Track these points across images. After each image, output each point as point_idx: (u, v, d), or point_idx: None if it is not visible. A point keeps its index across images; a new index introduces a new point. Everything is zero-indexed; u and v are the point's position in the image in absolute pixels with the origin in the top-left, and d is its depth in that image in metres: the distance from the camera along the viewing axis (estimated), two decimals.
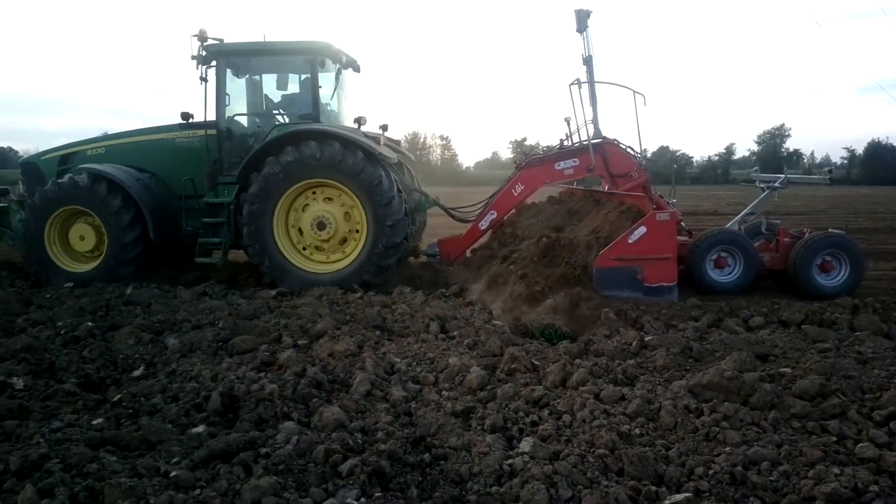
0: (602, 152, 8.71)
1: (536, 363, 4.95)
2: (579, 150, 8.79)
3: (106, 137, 9.85)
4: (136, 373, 4.98)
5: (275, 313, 6.72)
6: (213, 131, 8.93)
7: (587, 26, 8.93)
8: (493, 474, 3.26)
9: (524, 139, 76.58)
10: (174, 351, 5.41)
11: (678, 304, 6.88)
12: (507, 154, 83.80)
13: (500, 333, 5.64)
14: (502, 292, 7.21)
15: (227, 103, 9.01)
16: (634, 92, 8.71)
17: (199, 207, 8.96)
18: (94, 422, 3.98)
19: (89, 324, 6.23)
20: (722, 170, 71.84)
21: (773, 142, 76.86)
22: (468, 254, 9.18)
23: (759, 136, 78.86)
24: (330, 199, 8.54)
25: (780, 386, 4.42)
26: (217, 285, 8.22)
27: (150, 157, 9.34)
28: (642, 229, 7.10)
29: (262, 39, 9.04)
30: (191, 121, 8.84)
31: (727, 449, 3.48)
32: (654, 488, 3.15)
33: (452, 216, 9.90)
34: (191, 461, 3.43)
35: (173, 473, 3.22)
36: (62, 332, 5.98)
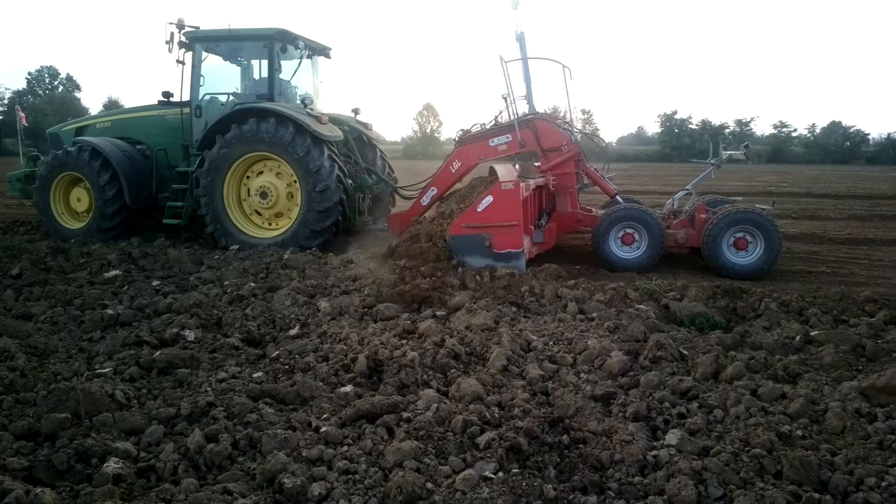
0: (533, 128, 8.85)
1: (685, 352, 4.67)
2: (511, 127, 8.90)
3: (112, 112, 11.43)
4: (292, 332, 5.34)
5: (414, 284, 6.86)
6: (188, 109, 9.96)
7: (519, 1, 9.08)
8: (635, 464, 3.12)
9: (674, 112, 72.50)
10: (325, 314, 5.73)
11: (850, 297, 6.19)
12: (654, 129, 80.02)
13: (644, 318, 5.40)
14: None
15: (200, 84, 9.95)
16: (563, 66, 8.99)
17: (173, 176, 10.00)
18: (255, 375, 4.33)
19: (252, 284, 6.75)
20: None
21: None
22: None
23: None
24: (278, 173, 9.31)
25: None
26: (362, 253, 8.59)
27: (144, 130, 10.54)
28: (489, 198, 7.23)
29: (227, 27, 9.85)
30: (170, 99, 9.97)
31: None
32: (816, 495, 2.87)
33: (400, 194, 10.65)
34: (339, 419, 3.62)
35: (324, 429, 3.42)
36: (228, 290, 6.55)
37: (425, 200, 9.35)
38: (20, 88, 69.96)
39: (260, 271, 7.55)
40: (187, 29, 9.77)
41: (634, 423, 3.52)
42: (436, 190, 9.32)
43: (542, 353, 4.80)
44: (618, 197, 9.30)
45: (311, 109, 9.83)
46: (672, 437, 3.35)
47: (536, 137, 8.86)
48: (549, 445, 3.29)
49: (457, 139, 9.65)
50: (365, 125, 10.96)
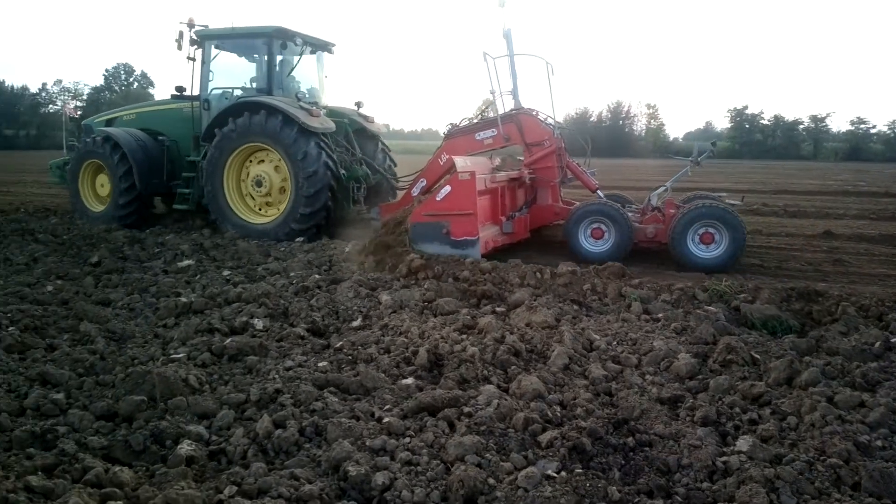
0: (517, 122, 9.18)
1: (756, 356, 4.49)
2: (497, 121, 9.26)
3: (138, 105, 12.36)
4: (355, 323, 5.43)
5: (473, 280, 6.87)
6: (198, 103, 10.63)
7: (506, 1, 9.42)
8: (704, 469, 3.03)
9: (745, 107, 70.06)
10: (386, 307, 5.80)
11: None
12: (723, 124, 77.52)
13: (713, 320, 5.23)
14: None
15: (210, 79, 10.62)
16: (547, 63, 9.38)
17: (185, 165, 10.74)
18: (320, 364, 4.42)
19: (316, 276, 6.91)
20: None
21: None
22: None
23: None
24: (271, 162, 9.79)
25: None
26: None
27: (165, 122, 11.28)
28: (447, 188, 7.55)
29: (230, 25, 10.53)
30: (184, 93, 10.71)
31: None
32: None
33: (394, 186, 11.17)
34: (401, 410, 3.66)
35: (386, 420, 3.46)
36: (294, 281, 6.71)
37: (416, 192, 9.63)
38: (98, 85, 73.72)
39: (323, 263, 7.71)
40: (197, 27, 10.44)
41: (703, 428, 3.42)
42: (425, 182, 9.56)
43: (605, 352, 4.72)
44: (599, 192, 9.54)
45: (315, 103, 10.46)
46: (743, 443, 3.24)
47: (520, 132, 9.19)
48: (613, 447, 3.24)
49: (445, 133, 10.02)
50: (366, 118, 11.37)
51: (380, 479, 2.88)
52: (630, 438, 3.32)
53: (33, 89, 71.89)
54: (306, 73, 11.44)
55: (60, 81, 73.20)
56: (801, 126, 68.32)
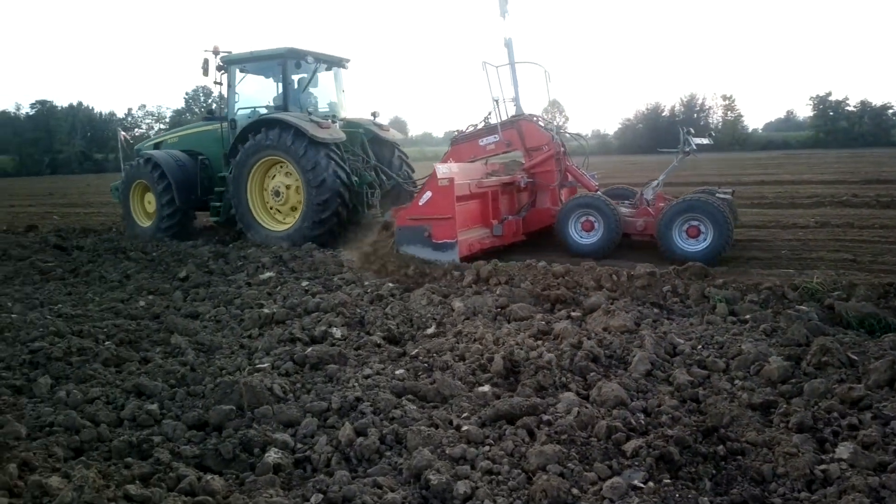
0: (518, 128, 9.53)
1: (854, 357, 4.22)
2: (497, 127, 9.61)
3: (180, 129, 13.40)
4: (429, 331, 5.47)
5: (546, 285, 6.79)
6: (226, 123, 11.39)
7: (507, 11, 9.78)
8: (801, 478, 2.86)
9: (828, 93, 66.42)
10: (459, 313, 5.81)
11: None
12: (806, 112, 73.69)
13: (805, 320, 4.95)
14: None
15: (236, 100, 11.36)
16: (544, 70, 9.89)
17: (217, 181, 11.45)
18: (397, 372, 4.47)
19: (390, 284, 7.02)
20: None
21: None
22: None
23: None
24: (287, 173, 10.29)
25: None
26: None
27: (202, 143, 12.11)
28: (429, 193, 7.79)
29: (250, 49, 11.25)
30: (213, 115, 11.64)
31: None
32: None
33: (406, 190, 11.31)
34: (479, 418, 3.65)
35: (465, 428, 3.46)
36: (369, 290, 6.84)
37: None
38: (179, 107, 77.54)
39: None
40: (222, 54, 11.21)
41: (799, 435, 3.24)
42: None
43: (689, 357, 4.55)
44: (599, 192, 9.48)
45: (333, 116, 11.34)
46: (843, 450, 3.05)
47: (521, 137, 9.52)
48: (702, 456, 3.11)
49: (451, 139, 10.40)
50: (380, 126, 11.86)
51: (461, 487, 2.88)
52: (720, 447, 3.18)
53: (120, 115, 76.54)
54: (325, 89, 12.14)
55: (144, 106, 77.58)
56: (891, 111, 64.07)
